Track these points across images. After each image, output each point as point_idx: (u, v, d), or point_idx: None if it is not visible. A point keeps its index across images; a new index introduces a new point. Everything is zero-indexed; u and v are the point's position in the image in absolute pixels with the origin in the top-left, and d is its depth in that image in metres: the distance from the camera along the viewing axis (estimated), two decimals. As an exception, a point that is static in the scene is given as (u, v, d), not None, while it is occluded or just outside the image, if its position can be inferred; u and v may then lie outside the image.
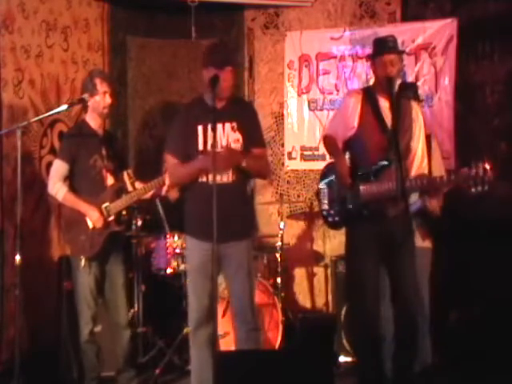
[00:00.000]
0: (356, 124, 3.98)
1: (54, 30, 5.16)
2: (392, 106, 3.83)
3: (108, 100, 4.31)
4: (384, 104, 3.94)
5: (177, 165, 3.93)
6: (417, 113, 4.01)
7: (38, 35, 5.00)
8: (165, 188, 4.30)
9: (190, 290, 3.98)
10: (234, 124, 3.85)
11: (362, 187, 3.89)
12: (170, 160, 3.95)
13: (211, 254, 3.51)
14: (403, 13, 5.62)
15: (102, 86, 4.28)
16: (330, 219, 4.11)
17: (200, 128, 3.84)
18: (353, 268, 4.10)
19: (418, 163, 3.95)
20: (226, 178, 3.82)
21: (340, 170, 3.97)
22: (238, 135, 3.85)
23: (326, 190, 4.10)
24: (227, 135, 3.84)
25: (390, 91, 3.85)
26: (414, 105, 4.06)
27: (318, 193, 4.19)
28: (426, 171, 3.98)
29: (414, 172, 3.93)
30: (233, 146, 3.84)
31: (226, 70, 3.82)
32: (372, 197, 3.86)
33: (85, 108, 4.36)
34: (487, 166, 3.58)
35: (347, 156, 4.05)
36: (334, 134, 4.08)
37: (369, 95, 4.02)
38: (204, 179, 3.83)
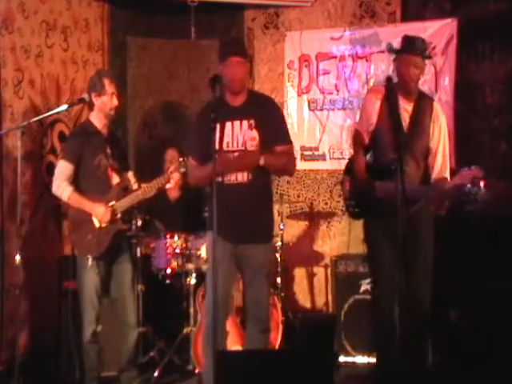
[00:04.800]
0: (375, 120, 4.00)
1: (53, 29, 5.16)
2: (392, 109, 3.81)
3: (115, 102, 4.28)
4: (403, 104, 3.94)
5: (195, 167, 3.91)
6: (437, 114, 3.97)
7: (38, 35, 5.00)
8: (169, 185, 4.31)
9: (207, 290, 3.98)
10: (252, 121, 3.77)
11: (377, 184, 3.91)
12: (191, 162, 3.95)
13: (230, 253, 3.60)
14: (403, 13, 5.62)
15: (110, 87, 4.25)
16: (350, 209, 4.18)
17: (217, 126, 3.72)
18: (370, 260, 4.18)
19: (439, 166, 3.93)
20: (242, 177, 3.76)
21: (357, 166, 4.04)
22: (254, 133, 3.76)
23: (347, 182, 4.15)
24: (244, 133, 3.77)
25: (408, 93, 3.88)
26: (436, 106, 4.03)
27: (342, 183, 4.29)
28: (447, 174, 3.95)
29: (435, 175, 3.94)
30: (248, 144, 3.76)
31: (231, 62, 3.74)
32: (385, 194, 3.88)
33: (90, 107, 4.33)
34: (482, 184, 3.55)
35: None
36: (360, 128, 4.14)
37: (390, 93, 3.96)
38: (220, 179, 3.74)
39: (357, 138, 4.15)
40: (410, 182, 3.72)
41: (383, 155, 3.96)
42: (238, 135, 3.77)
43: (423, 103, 3.97)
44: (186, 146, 4.02)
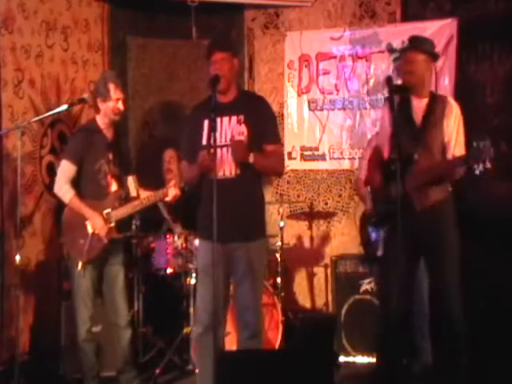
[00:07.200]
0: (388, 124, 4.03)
1: (53, 29, 5.16)
2: (392, 108, 3.83)
3: (121, 107, 4.24)
4: (415, 103, 3.98)
5: (186, 167, 3.90)
6: (450, 109, 3.98)
7: (38, 35, 5.00)
8: (167, 199, 4.28)
9: (198, 292, 3.90)
10: (241, 117, 3.72)
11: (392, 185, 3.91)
12: (183, 163, 3.95)
13: (219, 254, 3.46)
14: (403, 13, 5.63)
15: (115, 93, 4.21)
16: (372, 219, 4.24)
17: (206, 122, 3.74)
18: (384, 266, 4.16)
19: (453, 149, 3.95)
20: (229, 172, 3.70)
21: (374, 182, 4.09)
22: (243, 128, 3.71)
23: (369, 192, 4.18)
24: (232, 128, 3.72)
25: (414, 90, 3.94)
26: (450, 101, 4.05)
27: (361, 196, 4.47)
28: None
29: (449, 156, 3.95)
30: (236, 138, 3.71)
31: (214, 59, 3.72)
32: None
33: (96, 108, 4.30)
34: (488, 143, 3.66)
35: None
36: (379, 142, 4.17)
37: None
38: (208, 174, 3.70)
39: (375, 154, 4.16)
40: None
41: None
42: (227, 130, 3.72)
43: (436, 100, 4.01)
44: (179, 148, 4.01)
